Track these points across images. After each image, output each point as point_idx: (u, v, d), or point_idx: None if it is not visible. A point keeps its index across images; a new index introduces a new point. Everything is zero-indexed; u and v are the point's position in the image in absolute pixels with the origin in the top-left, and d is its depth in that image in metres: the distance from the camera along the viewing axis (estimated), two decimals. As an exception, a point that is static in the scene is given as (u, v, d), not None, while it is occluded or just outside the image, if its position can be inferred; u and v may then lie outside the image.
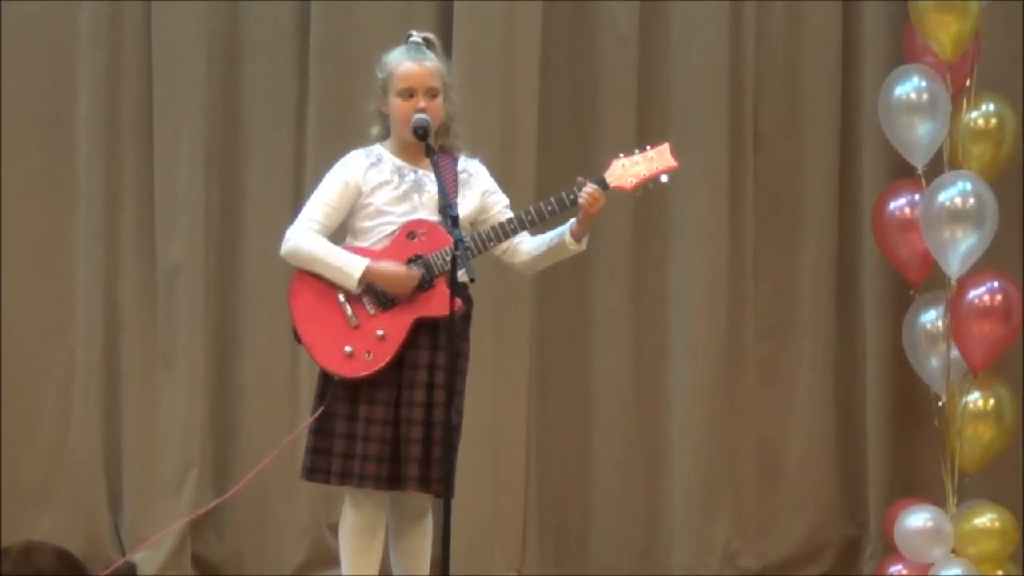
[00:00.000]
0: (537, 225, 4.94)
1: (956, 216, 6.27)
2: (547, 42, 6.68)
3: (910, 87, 6.36)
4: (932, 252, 6.31)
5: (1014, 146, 6.44)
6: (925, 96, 6.34)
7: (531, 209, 4.90)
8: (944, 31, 6.29)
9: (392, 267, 4.89)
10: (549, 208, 4.89)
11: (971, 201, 6.27)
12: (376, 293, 4.91)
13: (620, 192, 4.93)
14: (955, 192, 6.28)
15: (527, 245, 5.02)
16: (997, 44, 6.55)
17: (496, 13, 6.62)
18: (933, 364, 6.41)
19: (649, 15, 6.75)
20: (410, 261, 4.92)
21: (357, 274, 4.88)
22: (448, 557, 4.63)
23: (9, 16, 6.48)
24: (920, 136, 6.34)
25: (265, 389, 6.57)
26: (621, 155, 4.94)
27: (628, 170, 4.92)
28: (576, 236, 4.94)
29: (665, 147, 4.95)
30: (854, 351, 6.84)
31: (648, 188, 4.93)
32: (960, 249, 6.26)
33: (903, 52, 6.57)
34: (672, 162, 4.93)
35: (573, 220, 4.92)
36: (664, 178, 4.93)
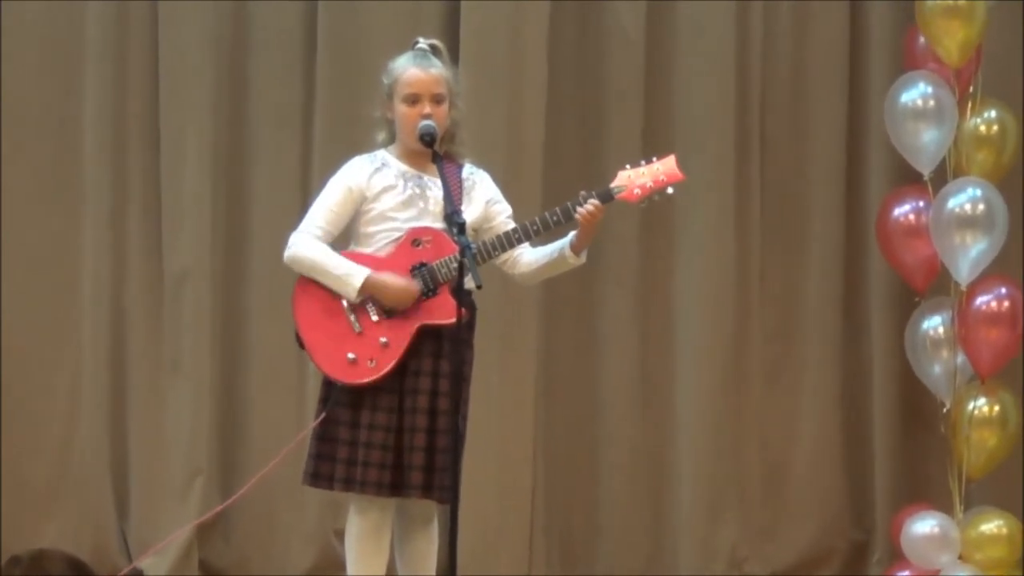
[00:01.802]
0: (542, 235, 4.92)
1: (966, 222, 6.26)
2: (553, 44, 6.68)
3: (916, 93, 6.36)
4: (942, 258, 6.31)
5: (1015, 152, 6.43)
6: (931, 103, 6.33)
7: (536, 219, 4.89)
8: (951, 37, 6.28)
9: (392, 280, 4.88)
10: (554, 218, 4.87)
11: (981, 207, 6.27)
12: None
13: (626, 204, 4.92)
14: (965, 198, 6.28)
15: (527, 256, 5.01)
16: (998, 47, 6.53)
17: (503, 15, 6.61)
18: (936, 370, 6.41)
19: (655, 18, 6.74)
20: (414, 268, 4.91)
21: (357, 283, 4.86)
22: (455, 561, 4.62)
23: (14, 18, 6.48)
24: (926, 143, 6.34)
25: (272, 394, 6.57)
26: (627, 166, 4.92)
27: (634, 181, 4.89)
28: (575, 250, 4.93)
29: (671, 159, 4.92)
30: (860, 356, 6.83)
31: (654, 200, 4.92)
32: (970, 255, 6.25)
33: (904, 57, 6.57)
34: (679, 174, 4.90)
35: (573, 233, 4.91)
36: (670, 190, 4.90)
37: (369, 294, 4.88)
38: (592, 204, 4.85)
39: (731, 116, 6.75)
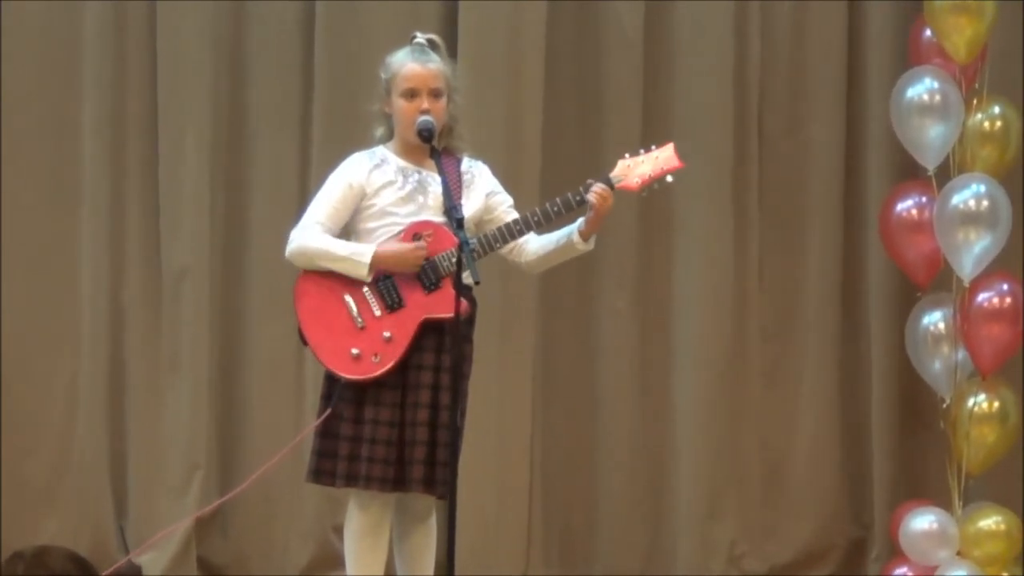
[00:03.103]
0: (543, 226, 4.93)
1: (970, 218, 6.26)
2: (552, 43, 6.69)
3: (922, 89, 6.35)
4: (945, 254, 6.31)
5: (1019, 148, 6.43)
6: (937, 98, 6.32)
7: (537, 210, 4.90)
8: (959, 33, 6.28)
9: (398, 246, 4.89)
10: (555, 209, 4.88)
11: (985, 203, 6.26)
12: (382, 294, 4.90)
13: (626, 192, 4.93)
14: (969, 194, 6.27)
15: (533, 244, 5.01)
16: (1000, 44, 6.52)
17: (501, 13, 6.62)
18: (936, 366, 6.41)
19: (654, 16, 6.75)
20: (414, 264, 4.94)
21: (367, 260, 4.87)
22: (453, 559, 4.63)
23: (14, 18, 6.48)
24: (932, 138, 6.32)
25: (270, 391, 6.57)
26: (627, 155, 4.93)
27: (634, 170, 4.92)
28: (584, 236, 4.92)
29: (670, 147, 4.94)
30: (859, 353, 6.83)
31: (654, 188, 4.93)
32: (974, 251, 6.25)
33: (909, 53, 6.57)
34: (677, 162, 4.92)
35: (581, 220, 4.91)
36: (669, 178, 4.92)
37: (380, 269, 4.88)
38: (601, 187, 4.85)
39: (730, 115, 6.76)
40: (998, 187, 6.30)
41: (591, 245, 4.96)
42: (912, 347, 6.48)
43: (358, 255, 4.88)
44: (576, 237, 4.93)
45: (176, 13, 6.54)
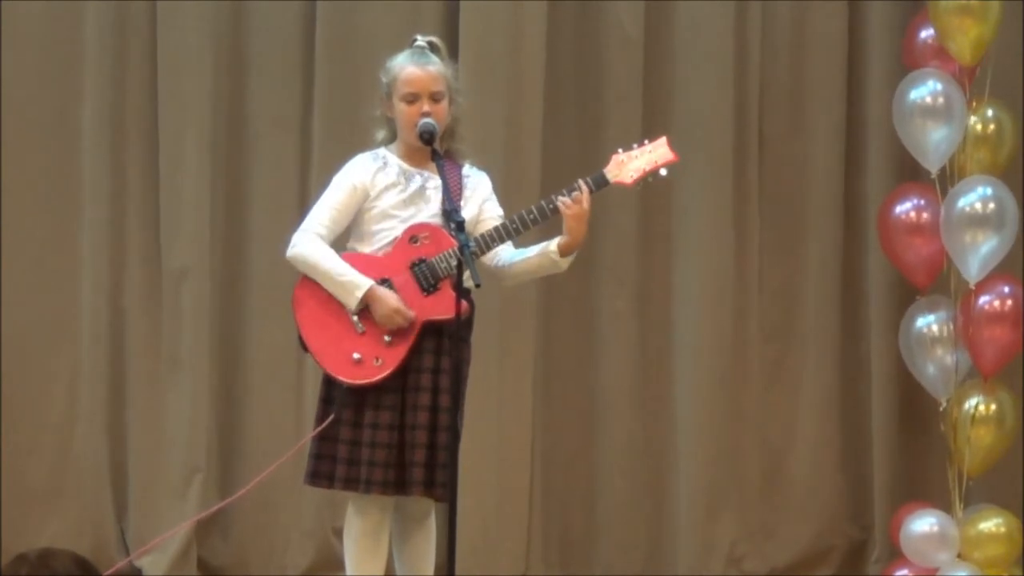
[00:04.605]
0: (539, 223, 4.92)
1: (976, 220, 6.25)
2: (552, 43, 6.68)
3: (925, 91, 6.33)
4: (951, 256, 6.29)
5: (1013, 151, 6.42)
6: (940, 100, 6.31)
7: (532, 208, 4.90)
8: (964, 35, 6.26)
9: (391, 301, 4.87)
10: (551, 206, 4.89)
11: (991, 205, 6.25)
12: (382, 298, 4.93)
13: (621, 187, 4.96)
14: (975, 196, 6.27)
15: (508, 251, 5.00)
16: (999, 45, 6.49)
17: (502, 14, 6.61)
18: (930, 369, 6.40)
19: (654, 16, 6.75)
20: (414, 265, 4.92)
21: (359, 294, 4.87)
22: (454, 560, 4.63)
23: (13, 19, 6.48)
24: (935, 141, 6.31)
25: (271, 393, 6.56)
26: (620, 150, 4.96)
27: (627, 165, 4.94)
28: (563, 250, 4.91)
29: (663, 140, 4.96)
30: (859, 355, 6.83)
31: (648, 182, 4.95)
32: (980, 253, 6.24)
33: (904, 53, 6.57)
34: (671, 155, 4.94)
35: (561, 237, 4.91)
36: (663, 171, 4.95)
37: (366, 304, 4.89)
38: (572, 196, 4.85)
39: (730, 115, 6.75)
40: (1004, 189, 6.29)
41: (566, 264, 4.95)
42: (906, 350, 6.47)
43: (353, 286, 4.88)
44: (553, 248, 4.91)
45: (176, 13, 6.53)
